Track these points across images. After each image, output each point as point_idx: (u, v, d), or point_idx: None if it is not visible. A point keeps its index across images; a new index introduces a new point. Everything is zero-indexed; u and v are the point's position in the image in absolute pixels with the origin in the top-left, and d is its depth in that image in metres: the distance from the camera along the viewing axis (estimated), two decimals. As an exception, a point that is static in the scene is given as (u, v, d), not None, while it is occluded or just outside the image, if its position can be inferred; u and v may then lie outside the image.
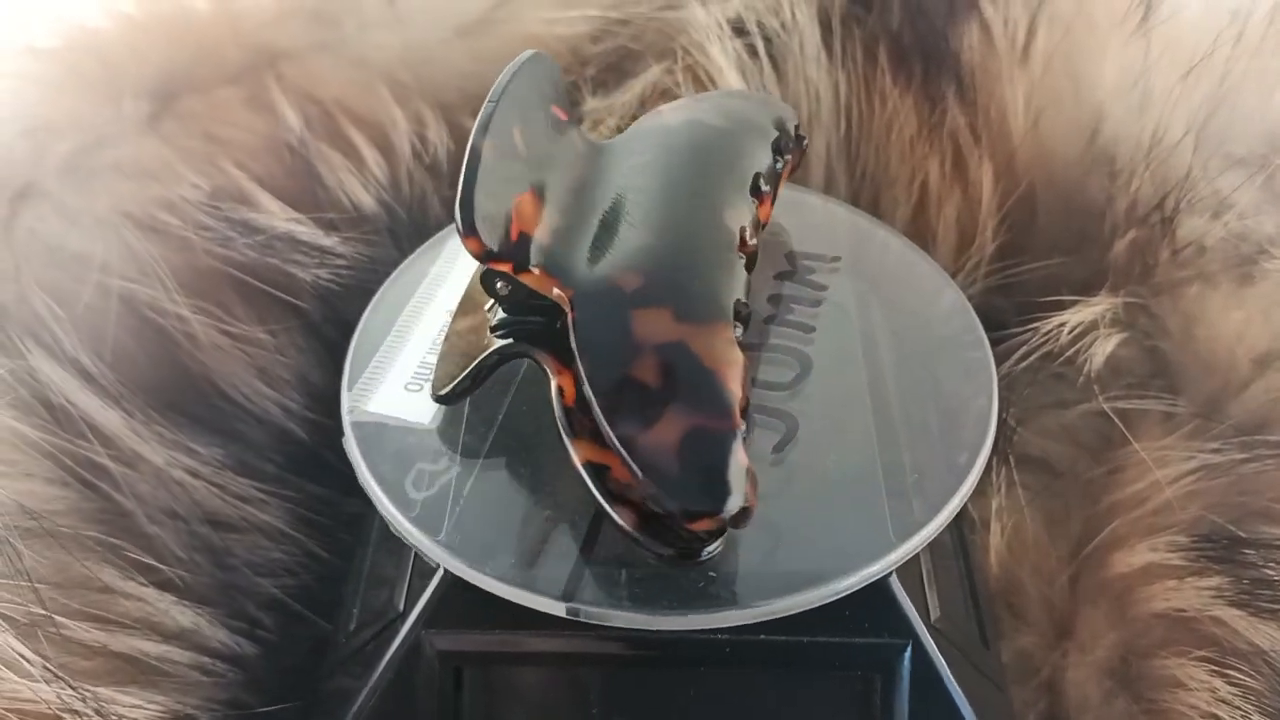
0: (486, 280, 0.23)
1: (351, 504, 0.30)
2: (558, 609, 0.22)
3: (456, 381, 0.24)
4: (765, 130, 0.27)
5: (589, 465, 0.21)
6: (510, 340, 0.24)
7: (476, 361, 0.24)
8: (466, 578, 0.22)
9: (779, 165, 0.27)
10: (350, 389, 0.26)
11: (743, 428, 0.20)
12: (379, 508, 0.24)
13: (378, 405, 0.25)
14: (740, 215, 0.24)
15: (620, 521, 0.21)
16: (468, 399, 0.25)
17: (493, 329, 0.24)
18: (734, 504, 0.20)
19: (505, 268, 0.22)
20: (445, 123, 0.34)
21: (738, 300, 0.22)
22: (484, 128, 0.22)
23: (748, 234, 0.24)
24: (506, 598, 0.22)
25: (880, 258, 0.29)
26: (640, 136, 0.26)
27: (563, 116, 0.25)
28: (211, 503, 0.28)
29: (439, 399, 0.24)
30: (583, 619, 0.22)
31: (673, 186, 0.24)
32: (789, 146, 0.27)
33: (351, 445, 0.25)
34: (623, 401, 0.20)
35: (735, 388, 0.21)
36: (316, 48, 0.33)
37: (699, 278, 0.22)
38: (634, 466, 0.20)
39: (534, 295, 0.22)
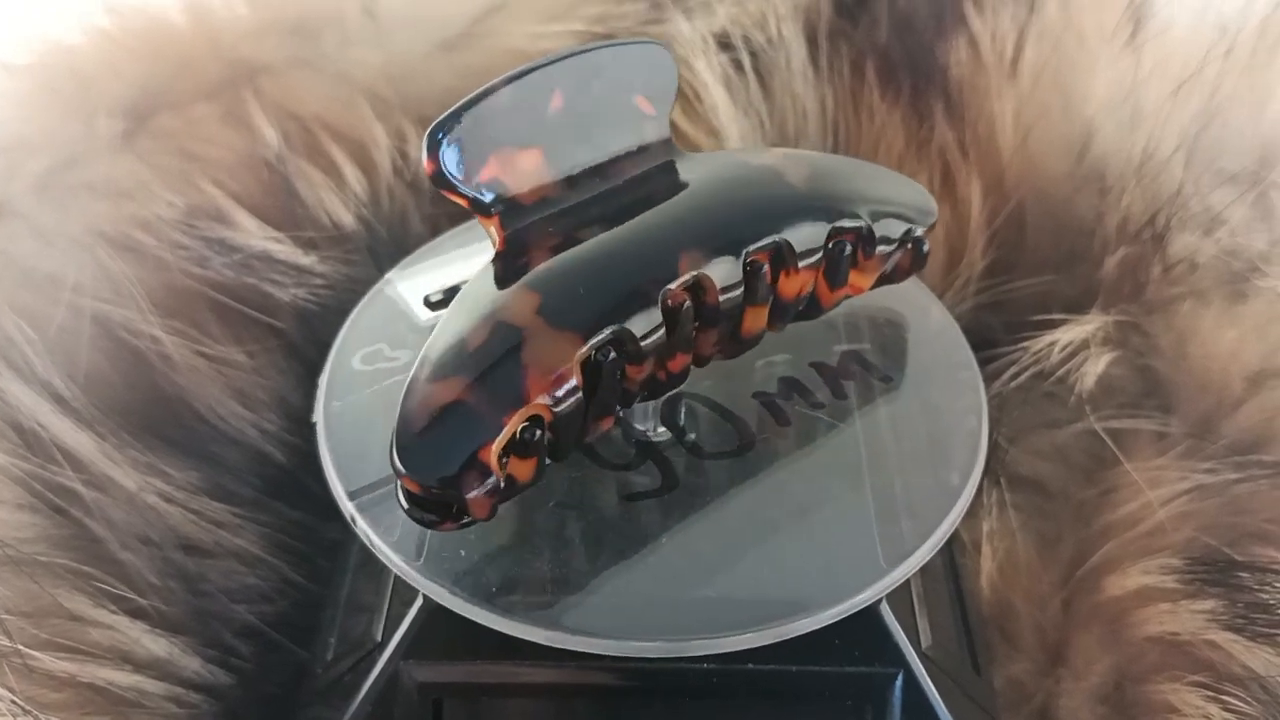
0: None
1: (330, 529, 0.30)
2: (540, 637, 0.21)
3: (441, 294, 0.27)
4: (839, 212, 0.24)
5: None
6: None
7: (454, 284, 0.27)
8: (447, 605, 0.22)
9: (845, 252, 0.24)
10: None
11: (510, 429, 0.20)
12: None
13: (404, 289, 0.28)
14: (702, 265, 0.22)
15: None
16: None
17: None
18: (438, 478, 0.20)
19: (460, 201, 0.22)
20: None
21: (623, 329, 0.21)
22: (514, 76, 0.22)
23: (708, 288, 0.22)
24: (489, 626, 0.22)
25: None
26: (716, 159, 0.25)
27: (648, 110, 0.24)
28: (186, 528, 0.28)
29: (424, 300, 0.27)
30: (566, 646, 0.21)
31: (671, 211, 0.23)
32: (873, 239, 0.24)
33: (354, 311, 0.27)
34: (438, 351, 0.21)
35: (533, 394, 0.20)
36: (296, 63, 0.33)
37: (589, 289, 0.22)
38: (398, 404, 0.20)
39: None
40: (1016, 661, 0.28)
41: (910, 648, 0.23)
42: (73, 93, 0.31)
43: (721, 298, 0.22)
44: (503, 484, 0.20)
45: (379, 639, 0.24)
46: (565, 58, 0.22)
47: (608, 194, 0.23)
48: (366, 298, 0.28)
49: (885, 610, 0.23)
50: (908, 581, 0.23)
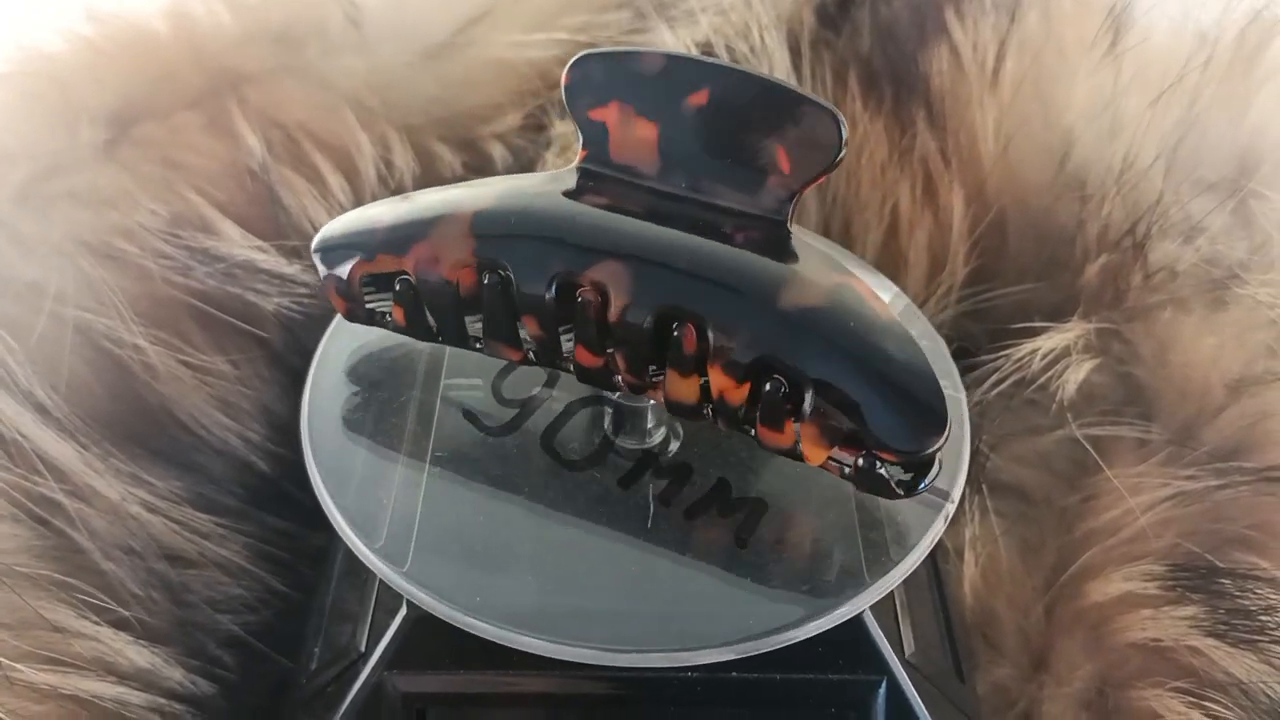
0: None
1: (315, 537, 0.30)
2: (525, 645, 0.21)
3: None
4: (784, 359, 0.21)
5: None
6: None
7: None
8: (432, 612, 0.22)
9: (778, 393, 0.21)
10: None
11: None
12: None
13: None
14: (614, 282, 0.22)
15: None
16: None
17: None
18: (316, 260, 0.25)
19: (572, 120, 0.24)
20: (411, 146, 0.33)
21: (506, 273, 0.22)
22: (675, 53, 0.23)
23: (610, 303, 0.22)
24: (474, 633, 0.22)
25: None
26: (783, 246, 0.22)
27: (782, 164, 0.22)
28: (169, 538, 0.27)
29: None
30: (552, 655, 0.21)
31: (662, 236, 0.22)
32: (814, 411, 0.21)
33: None
34: (426, 194, 0.24)
35: (411, 258, 0.23)
36: (280, 71, 0.33)
37: (519, 229, 0.23)
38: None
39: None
40: (1000, 667, 0.28)
41: (893, 655, 0.23)
42: (55, 101, 0.31)
43: (621, 327, 0.22)
44: (359, 295, 0.24)
45: (363, 649, 0.24)
46: (732, 67, 0.22)
47: (679, 199, 0.23)
48: None
49: (869, 618, 0.23)
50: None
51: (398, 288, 0.24)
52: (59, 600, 0.25)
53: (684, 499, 0.24)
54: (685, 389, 0.22)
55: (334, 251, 0.24)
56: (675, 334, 0.22)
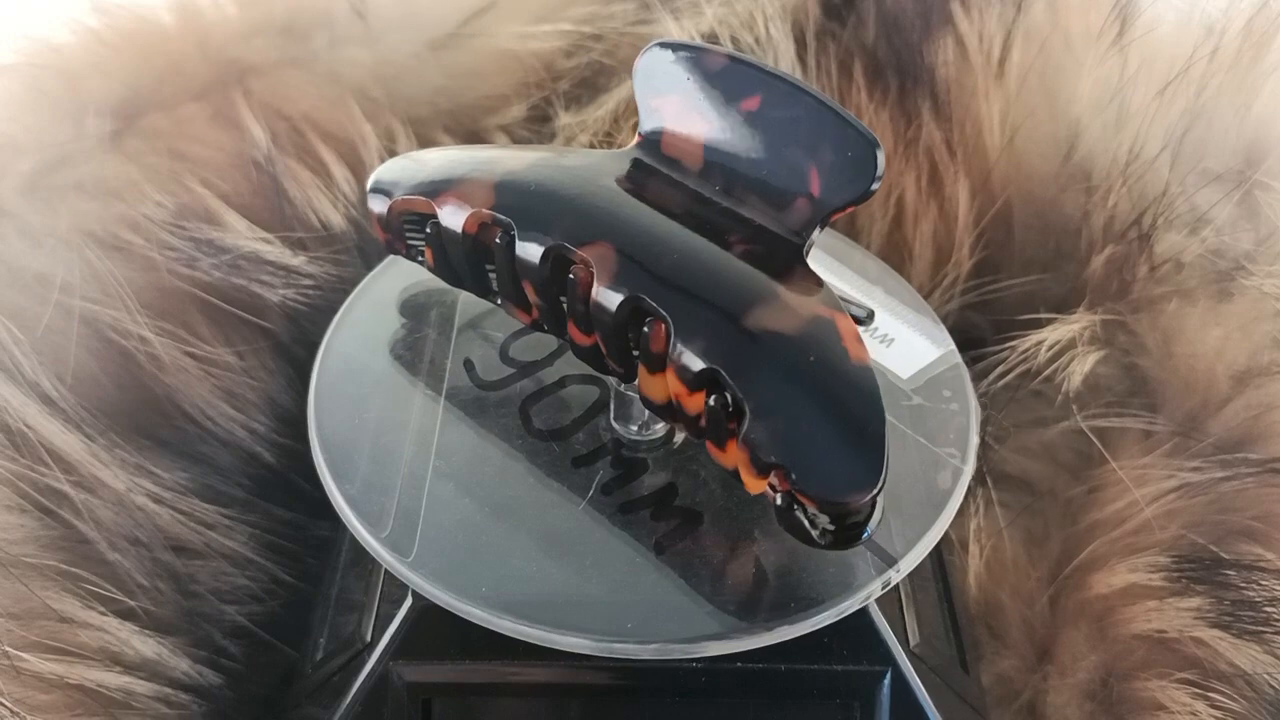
0: None
1: (320, 527, 0.30)
2: (530, 636, 0.21)
3: None
4: (730, 381, 0.21)
5: None
6: None
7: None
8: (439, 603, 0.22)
9: (723, 406, 0.21)
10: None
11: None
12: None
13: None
14: (599, 265, 0.22)
15: None
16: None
17: None
18: (369, 199, 0.26)
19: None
20: (416, 137, 0.34)
21: (512, 234, 0.23)
22: (739, 55, 0.23)
23: (594, 282, 0.22)
24: (478, 624, 0.22)
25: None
26: (798, 277, 0.22)
27: (813, 185, 0.22)
28: (175, 528, 0.27)
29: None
30: (556, 646, 0.21)
31: (667, 228, 0.22)
32: (750, 439, 0.20)
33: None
34: (477, 148, 0.27)
35: (436, 201, 0.25)
36: (286, 63, 0.33)
37: (538, 195, 0.23)
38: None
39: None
40: (1004, 658, 0.28)
41: (898, 646, 0.23)
42: (61, 93, 0.31)
43: (596, 309, 0.22)
44: (399, 229, 0.26)
45: (368, 639, 0.24)
46: (787, 78, 0.22)
47: (707, 202, 0.23)
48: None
49: (874, 609, 0.23)
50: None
51: (428, 230, 0.25)
52: (65, 590, 0.25)
53: (628, 493, 0.24)
54: (654, 387, 0.22)
55: (382, 186, 0.26)
56: (645, 329, 0.21)
